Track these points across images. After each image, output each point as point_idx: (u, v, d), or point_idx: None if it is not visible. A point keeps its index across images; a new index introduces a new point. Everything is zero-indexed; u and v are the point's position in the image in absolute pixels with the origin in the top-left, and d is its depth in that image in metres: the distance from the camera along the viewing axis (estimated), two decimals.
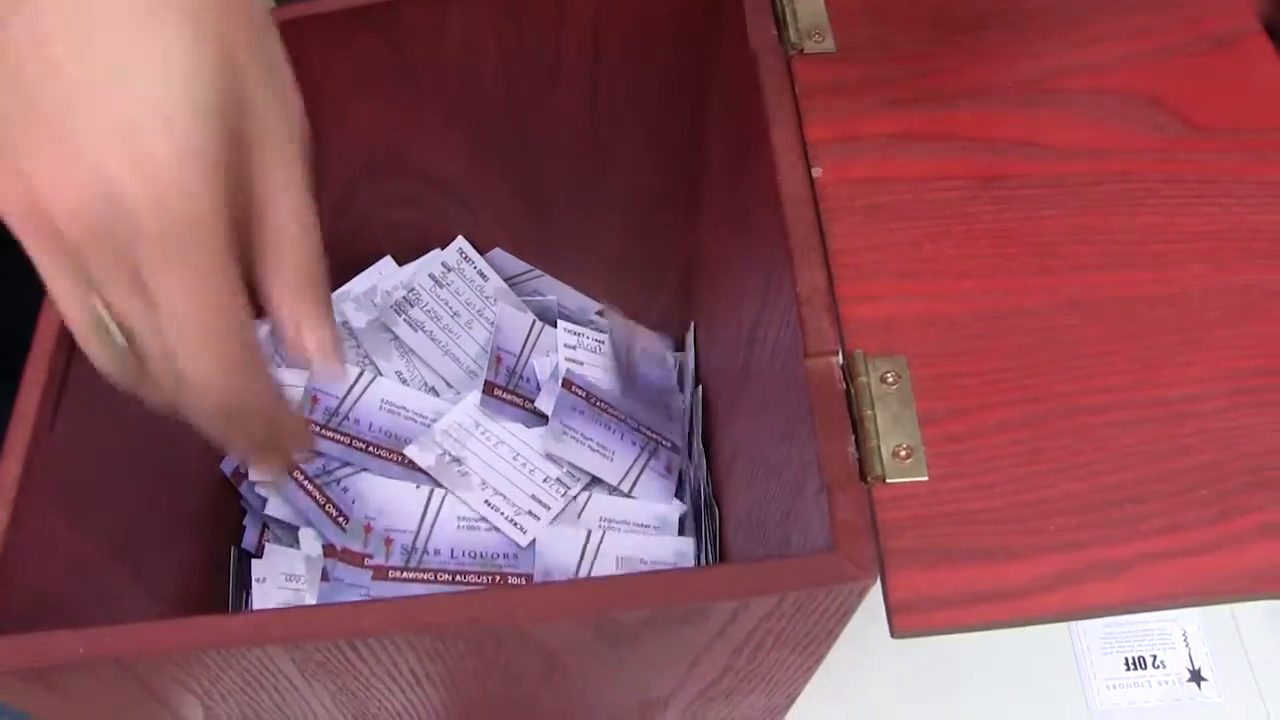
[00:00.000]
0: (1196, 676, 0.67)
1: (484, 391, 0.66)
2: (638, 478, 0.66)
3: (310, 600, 0.60)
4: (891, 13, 0.50)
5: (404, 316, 0.69)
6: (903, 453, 0.37)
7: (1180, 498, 0.37)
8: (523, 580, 0.62)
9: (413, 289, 0.69)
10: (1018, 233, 0.43)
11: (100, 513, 0.44)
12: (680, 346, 0.75)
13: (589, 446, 0.66)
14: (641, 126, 0.61)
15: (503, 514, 0.63)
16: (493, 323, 0.70)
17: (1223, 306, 0.41)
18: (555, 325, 0.71)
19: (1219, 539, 0.36)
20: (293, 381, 0.65)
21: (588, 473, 0.66)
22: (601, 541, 0.63)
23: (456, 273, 0.70)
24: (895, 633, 0.34)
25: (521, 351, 0.70)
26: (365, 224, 0.66)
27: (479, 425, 0.66)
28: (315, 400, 0.65)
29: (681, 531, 0.65)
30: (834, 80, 0.48)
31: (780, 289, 0.43)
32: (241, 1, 0.34)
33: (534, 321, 0.71)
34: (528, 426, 0.67)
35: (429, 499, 0.63)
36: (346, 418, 0.65)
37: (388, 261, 0.71)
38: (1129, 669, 0.68)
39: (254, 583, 0.60)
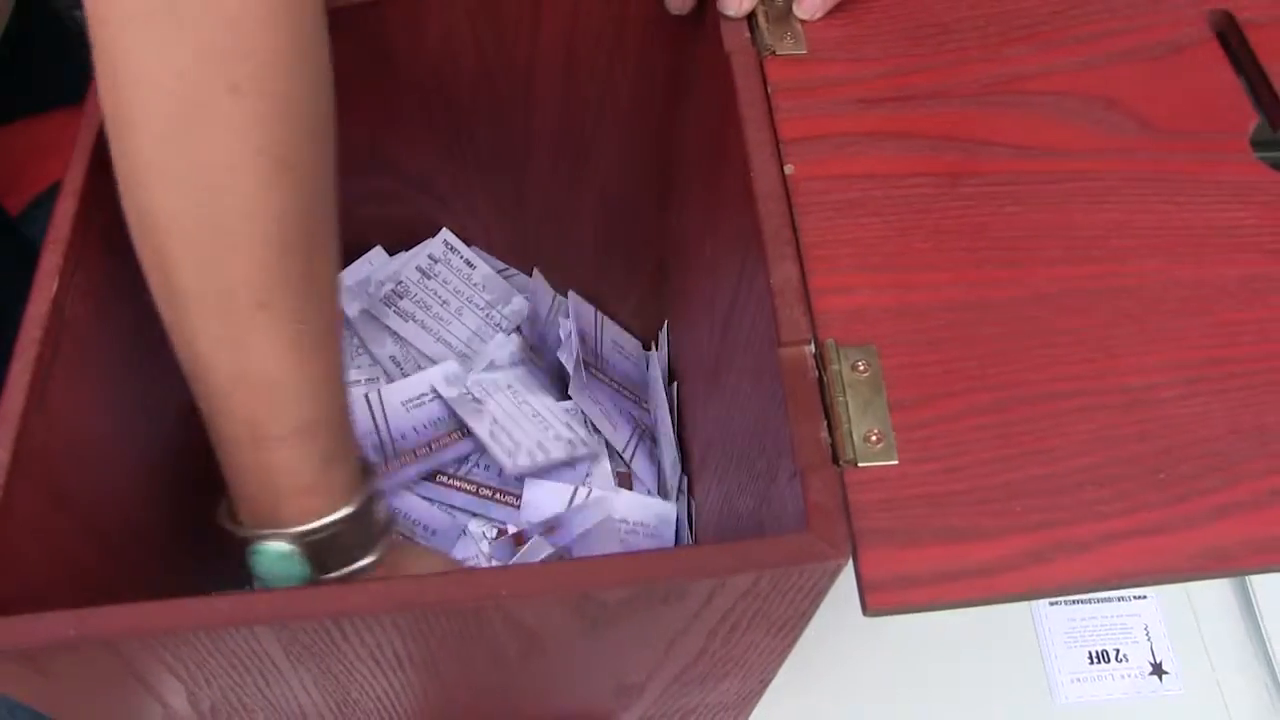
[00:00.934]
0: (1158, 670, 0.69)
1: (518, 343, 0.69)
2: (634, 451, 0.68)
3: None
4: (860, 16, 0.52)
5: (393, 309, 0.70)
6: (874, 438, 0.38)
7: (1140, 481, 0.38)
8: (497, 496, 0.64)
9: (400, 282, 0.70)
10: (984, 228, 0.44)
11: (90, 498, 0.44)
12: (649, 347, 0.77)
13: (600, 409, 0.68)
14: (617, 126, 0.62)
15: (500, 444, 0.64)
16: (482, 308, 0.72)
17: (1178, 299, 0.43)
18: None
19: (1176, 520, 0.37)
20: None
21: (599, 434, 0.67)
22: (589, 496, 0.64)
23: (443, 264, 0.71)
24: (868, 611, 0.35)
25: (547, 316, 0.73)
26: (347, 219, 0.66)
27: (510, 386, 0.67)
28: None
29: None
30: (805, 80, 0.49)
31: (754, 282, 0.45)
32: None
33: (554, 295, 0.74)
34: (556, 399, 0.69)
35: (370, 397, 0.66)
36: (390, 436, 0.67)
37: (379, 252, 0.71)
38: (1092, 662, 0.69)
39: None
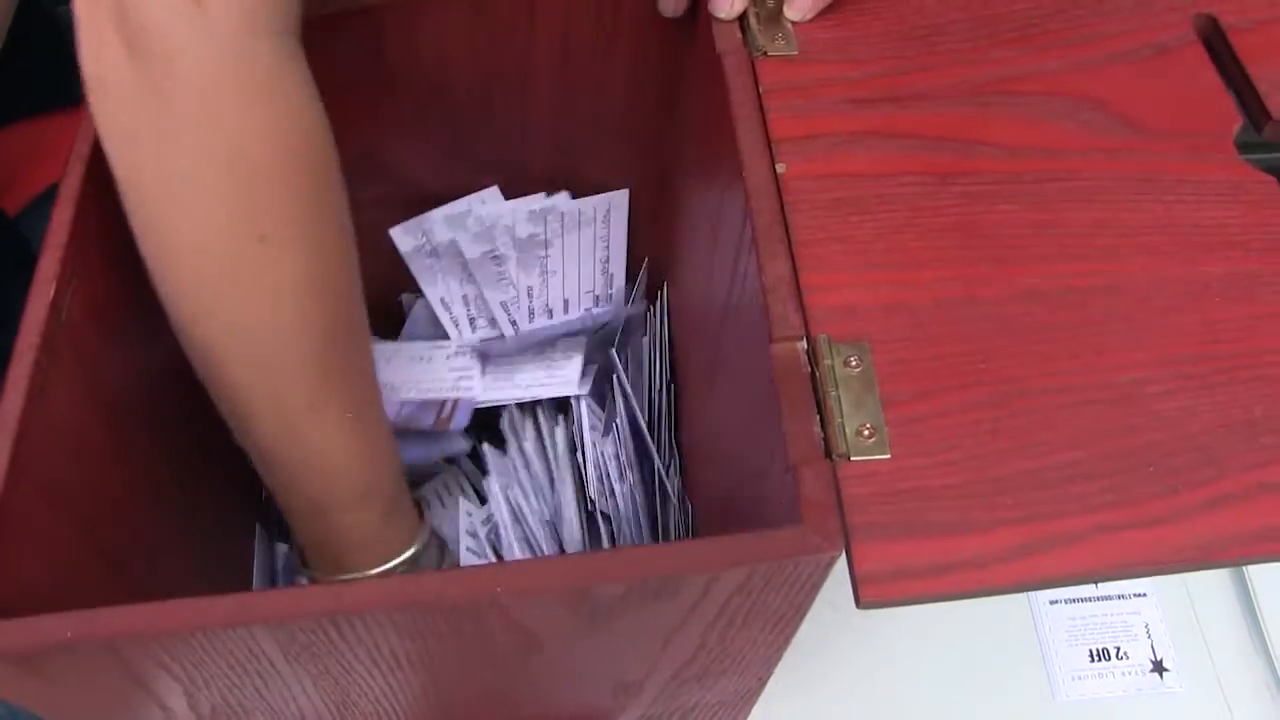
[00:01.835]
0: (1159, 667, 0.69)
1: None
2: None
3: None
4: (851, 18, 0.52)
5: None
6: (866, 432, 0.39)
7: (1129, 474, 0.38)
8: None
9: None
10: (974, 226, 0.45)
11: (88, 501, 0.45)
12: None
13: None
14: (610, 128, 0.63)
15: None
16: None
17: (1165, 296, 0.43)
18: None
19: (1166, 513, 0.38)
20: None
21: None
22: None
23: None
24: (861, 603, 0.36)
25: None
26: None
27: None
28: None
29: (655, 524, 0.66)
30: (797, 81, 0.49)
31: (746, 279, 0.45)
32: None
33: None
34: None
35: None
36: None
37: (494, 191, 0.70)
38: (1093, 660, 0.69)
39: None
